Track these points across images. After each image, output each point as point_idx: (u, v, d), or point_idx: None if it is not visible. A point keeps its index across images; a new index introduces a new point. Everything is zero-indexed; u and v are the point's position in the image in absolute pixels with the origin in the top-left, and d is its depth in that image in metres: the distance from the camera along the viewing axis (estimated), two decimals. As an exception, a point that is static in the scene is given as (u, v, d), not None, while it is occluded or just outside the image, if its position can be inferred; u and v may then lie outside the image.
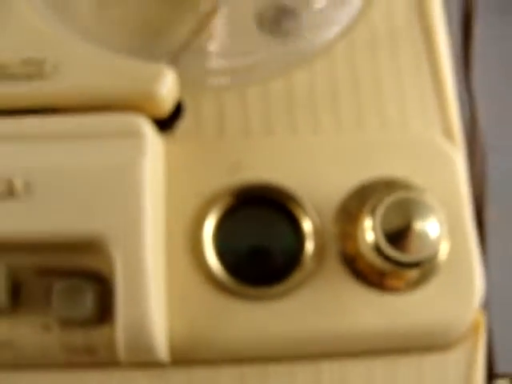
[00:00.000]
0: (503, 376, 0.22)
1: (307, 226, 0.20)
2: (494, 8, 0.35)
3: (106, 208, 0.18)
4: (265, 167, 0.21)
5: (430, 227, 0.19)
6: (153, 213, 0.19)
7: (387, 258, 0.19)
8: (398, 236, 0.19)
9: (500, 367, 0.22)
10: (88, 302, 0.19)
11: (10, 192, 0.18)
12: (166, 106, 0.20)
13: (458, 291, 0.20)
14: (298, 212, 0.20)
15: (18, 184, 0.18)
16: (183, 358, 0.20)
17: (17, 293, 0.19)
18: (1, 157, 0.19)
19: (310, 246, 0.20)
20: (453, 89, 0.23)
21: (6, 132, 0.19)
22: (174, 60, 0.20)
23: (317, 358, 0.20)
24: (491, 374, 0.22)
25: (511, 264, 0.27)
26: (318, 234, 0.20)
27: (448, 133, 0.22)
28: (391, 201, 0.19)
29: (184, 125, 0.21)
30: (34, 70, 0.19)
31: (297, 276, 0.20)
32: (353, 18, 0.23)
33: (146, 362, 0.19)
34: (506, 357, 0.22)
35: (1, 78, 0.19)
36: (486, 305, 0.21)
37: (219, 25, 0.23)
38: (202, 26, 0.22)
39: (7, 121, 0.19)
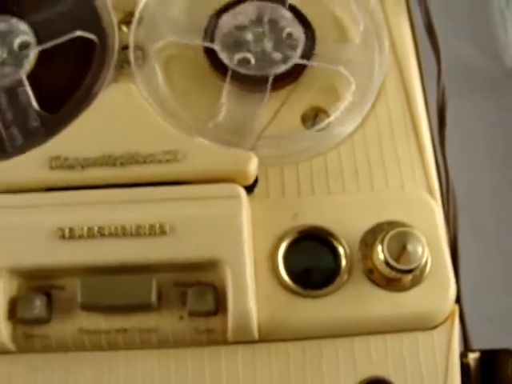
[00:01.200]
0: (475, 350, 0.35)
1: (341, 251, 0.34)
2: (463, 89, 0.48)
3: (222, 241, 0.32)
4: (313, 215, 0.34)
5: (417, 248, 0.32)
6: (248, 244, 0.32)
7: (392, 268, 0.32)
8: (398, 254, 0.32)
9: (474, 344, 0.35)
10: (209, 300, 0.32)
11: (163, 231, 0.32)
12: (252, 178, 0.34)
13: (439, 290, 0.33)
14: (335, 243, 0.34)
15: (167, 226, 0.32)
16: (267, 337, 0.33)
17: (161, 296, 0.33)
18: (155, 210, 0.32)
19: (343, 264, 0.34)
20: (433, 159, 0.37)
21: (156, 194, 0.33)
22: (254, 146, 0.35)
23: (349, 335, 0.33)
24: (466, 349, 0.35)
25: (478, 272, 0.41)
26: (348, 256, 0.34)
27: (430, 190, 0.36)
28: (393, 234, 0.32)
29: (259, 189, 0.35)
30: (171, 157, 0.33)
31: (336, 283, 0.33)
32: (364, 116, 0.37)
33: (244, 340, 0.33)
34: (475, 338, 0.35)
35: (150, 162, 0.33)
36: (459, 300, 0.34)
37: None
38: (272, 120, 0.36)
39: (155, 188, 0.33)
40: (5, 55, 0.37)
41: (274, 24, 0.37)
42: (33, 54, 0.37)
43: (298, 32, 0.37)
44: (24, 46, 0.37)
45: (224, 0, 0.38)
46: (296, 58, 0.37)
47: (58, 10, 0.37)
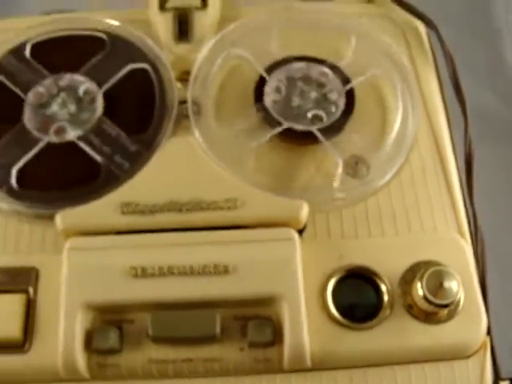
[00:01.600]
0: (505, 379, 0.39)
1: (383, 288, 0.38)
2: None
3: (279, 279, 0.36)
4: (357, 256, 0.39)
5: (452, 284, 0.36)
6: (302, 282, 0.37)
7: (431, 303, 0.36)
8: (436, 290, 0.36)
9: (502, 373, 0.40)
10: (267, 333, 0.36)
11: (226, 271, 0.37)
12: (303, 223, 0.38)
13: (472, 323, 0.37)
14: (378, 280, 0.38)
15: (230, 266, 0.37)
16: (318, 366, 0.37)
17: (223, 329, 0.37)
18: (219, 251, 0.37)
19: (385, 299, 0.38)
20: (462, 204, 0.42)
21: (219, 237, 0.37)
22: (303, 195, 0.39)
23: (391, 364, 0.37)
24: (496, 378, 0.39)
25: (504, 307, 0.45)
26: (390, 293, 0.38)
27: (461, 232, 0.40)
28: (431, 272, 0.37)
29: (307, 232, 0.40)
30: (231, 204, 0.38)
31: (379, 317, 0.37)
32: (399, 166, 0.42)
33: (297, 368, 0.37)
34: (505, 366, 0.39)
35: (213, 208, 0.38)
36: (489, 332, 0.38)
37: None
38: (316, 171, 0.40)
39: (218, 232, 0.38)
40: (74, 107, 0.42)
41: (318, 84, 0.42)
42: (99, 96, 0.42)
43: (341, 92, 0.42)
44: (88, 93, 0.42)
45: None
46: (337, 116, 0.41)
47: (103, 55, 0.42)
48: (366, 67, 0.42)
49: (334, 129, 0.41)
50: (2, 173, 0.41)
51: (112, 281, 0.36)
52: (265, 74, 0.42)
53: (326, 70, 0.43)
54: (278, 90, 0.42)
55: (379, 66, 0.43)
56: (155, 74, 0.42)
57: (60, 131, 0.42)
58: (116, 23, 0.44)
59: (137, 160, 0.39)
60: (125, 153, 0.40)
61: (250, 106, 0.42)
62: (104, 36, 0.43)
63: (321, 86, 0.42)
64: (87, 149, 0.41)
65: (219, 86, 0.43)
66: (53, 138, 0.42)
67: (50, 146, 0.41)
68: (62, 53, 0.43)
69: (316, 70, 0.42)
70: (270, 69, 0.43)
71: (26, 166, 0.41)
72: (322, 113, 0.42)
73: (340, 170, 0.41)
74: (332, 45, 0.44)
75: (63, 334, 0.36)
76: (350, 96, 0.42)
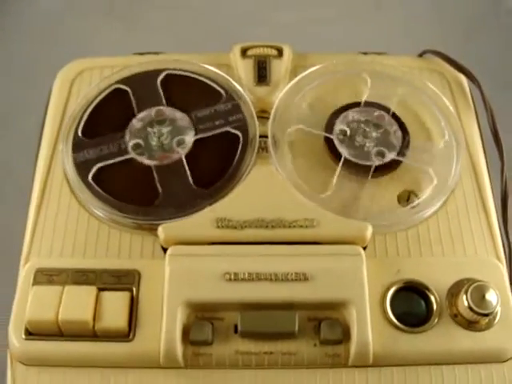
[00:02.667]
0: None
1: (433, 299, 0.47)
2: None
3: (349, 287, 0.45)
4: (411, 271, 0.47)
5: (492, 297, 0.45)
6: (367, 290, 0.46)
7: (474, 312, 0.45)
8: (479, 302, 0.45)
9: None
10: (337, 332, 0.45)
11: (305, 278, 0.45)
12: (367, 242, 0.47)
13: (508, 331, 0.46)
14: (428, 293, 0.47)
15: (308, 274, 0.45)
16: (377, 363, 0.45)
17: (299, 328, 0.45)
18: (299, 262, 0.46)
19: (434, 309, 0.46)
20: (498, 233, 0.51)
21: (299, 251, 0.46)
22: (366, 219, 0.48)
23: (439, 364, 0.46)
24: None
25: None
26: (438, 303, 0.47)
27: (497, 256, 0.49)
28: (475, 286, 0.46)
29: (368, 250, 0.49)
30: (309, 223, 0.47)
31: (429, 324, 0.46)
32: (445, 199, 0.51)
33: (360, 364, 0.45)
34: None
35: (293, 226, 0.47)
36: None
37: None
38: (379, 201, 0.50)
39: (297, 246, 0.46)
40: (168, 139, 0.51)
41: (378, 126, 0.52)
42: (191, 140, 0.51)
43: (397, 134, 0.51)
44: (182, 131, 0.51)
45: (339, 100, 0.52)
46: (393, 155, 0.51)
47: (215, 110, 0.51)
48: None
49: (389, 167, 0.50)
50: (86, 165, 0.49)
51: (208, 283, 0.44)
52: (328, 135, 0.51)
53: (388, 117, 0.52)
54: (344, 129, 0.51)
55: (431, 118, 0.52)
56: (243, 136, 0.51)
57: (141, 154, 0.50)
58: (237, 86, 0.53)
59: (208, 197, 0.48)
60: (185, 192, 0.49)
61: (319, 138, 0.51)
62: (222, 91, 0.52)
63: (381, 129, 0.52)
64: (156, 178, 0.49)
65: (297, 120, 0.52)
66: (136, 157, 0.50)
67: (131, 161, 0.50)
68: (183, 91, 0.53)
69: (378, 115, 0.52)
70: (340, 111, 0.52)
71: (105, 170, 0.50)
72: (380, 152, 0.51)
73: (395, 200, 0.50)
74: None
75: (165, 327, 0.44)
76: (406, 142, 0.51)
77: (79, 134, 0.51)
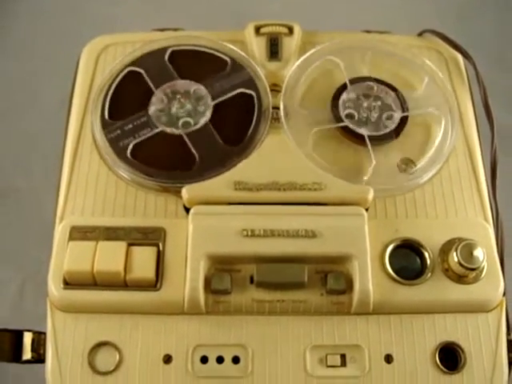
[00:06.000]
0: (515, 332, 0.56)
1: (427, 256, 0.55)
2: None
3: (353, 243, 0.53)
4: (408, 231, 0.55)
5: (479, 254, 0.53)
6: (368, 246, 0.54)
7: (463, 267, 0.53)
8: (467, 257, 0.53)
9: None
10: (342, 283, 0.53)
11: (314, 235, 0.53)
12: (369, 203, 0.55)
13: (493, 285, 0.53)
14: (423, 250, 0.55)
15: (316, 231, 0.53)
16: (376, 311, 0.53)
17: (308, 279, 0.53)
18: (308, 220, 0.54)
19: (428, 264, 0.55)
20: (487, 198, 0.59)
21: (309, 210, 0.54)
22: (369, 184, 0.56)
23: (431, 313, 0.54)
24: (508, 330, 0.56)
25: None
26: (431, 259, 0.54)
27: (485, 218, 0.57)
28: (464, 244, 0.54)
29: (369, 212, 0.57)
30: (317, 187, 0.55)
31: (423, 277, 0.54)
32: (440, 166, 0.59)
33: (361, 312, 0.54)
34: None
35: (304, 189, 0.55)
36: (505, 294, 0.55)
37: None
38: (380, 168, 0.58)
39: (307, 207, 0.54)
40: (189, 109, 0.59)
41: (371, 96, 0.60)
42: (211, 106, 0.59)
43: (392, 97, 0.59)
44: (203, 101, 0.59)
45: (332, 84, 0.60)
46: (399, 113, 0.59)
47: (227, 77, 0.59)
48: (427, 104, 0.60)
49: (390, 136, 0.58)
50: (122, 145, 0.57)
51: (228, 238, 0.52)
52: (348, 83, 0.59)
53: (393, 95, 0.60)
54: (351, 100, 0.59)
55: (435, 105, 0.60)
56: (257, 96, 0.59)
57: (172, 125, 0.58)
58: (238, 51, 0.61)
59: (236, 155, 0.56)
60: (217, 153, 0.56)
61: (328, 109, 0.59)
62: (228, 59, 0.60)
63: (386, 106, 0.60)
64: (189, 144, 0.57)
65: (302, 96, 0.60)
66: (166, 129, 0.58)
67: (162, 134, 0.58)
68: (192, 63, 0.61)
69: (386, 94, 0.60)
70: (352, 81, 0.60)
71: (139, 144, 0.58)
72: (387, 122, 0.59)
73: (395, 167, 0.58)
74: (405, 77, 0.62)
75: (189, 277, 0.52)
76: (402, 99, 0.59)
77: (106, 114, 0.59)
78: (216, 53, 0.61)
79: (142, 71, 0.60)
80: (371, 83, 0.60)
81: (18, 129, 0.87)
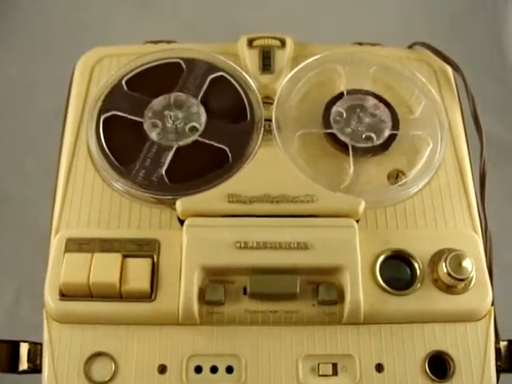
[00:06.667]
0: (504, 340, 0.57)
1: (417, 266, 0.56)
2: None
3: (344, 255, 0.54)
4: (398, 242, 0.57)
5: (468, 265, 0.55)
6: (359, 257, 0.55)
7: (452, 277, 0.54)
8: (456, 268, 0.55)
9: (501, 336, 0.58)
10: (333, 293, 0.54)
11: (306, 247, 0.55)
12: (360, 215, 0.57)
13: (481, 295, 0.55)
14: (413, 261, 0.56)
15: (308, 244, 0.54)
16: (367, 321, 0.54)
17: (300, 290, 0.55)
18: (300, 232, 0.55)
19: (418, 275, 0.56)
20: (476, 209, 0.60)
21: (300, 222, 0.55)
22: (360, 196, 0.58)
23: (421, 322, 0.54)
24: (497, 339, 0.57)
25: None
26: (421, 270, 0.56)
27: (474, 230, 0.58)
28: (453, 255, 0.55)
29: (360, 223, 0.58)
30: (309, 199, 0.56)
31: (413, 287, 0.55)
32: (430, 178, 0.60)
33: (352, 322, 0.55)
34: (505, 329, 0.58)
35: (296, 201, 0.56)
36: (493, 304, 0.57)
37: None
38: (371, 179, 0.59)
39: (299, 219, 0.55)
40: (182, 124, 0.60)
41: (366, 109, 0.61)
42: (204, 122, 0.60)
43: (386, 113, 0.60)
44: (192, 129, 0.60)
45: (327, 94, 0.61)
46: (388, 131, 0.60)
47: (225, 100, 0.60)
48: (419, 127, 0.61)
49: (378, 149, 0.60)
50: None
51: (221, 250, 0.54)
52: (328, 130, 0.60)
53: (372, 99, 0.61)
54: (337, 119, 0.61)
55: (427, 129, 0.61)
56: (248, 104, 0.60)
57: (159, 135, 0.60)
58: (231, 64, 0.62)
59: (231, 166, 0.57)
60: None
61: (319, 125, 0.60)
62: (226, 75, 0.62)
63: (369, 112, 0.61)
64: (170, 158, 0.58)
65: (295, 106, 0.61)
66: (154, 138, 0.59)
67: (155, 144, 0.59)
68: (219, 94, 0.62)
69: (380, 109, 0.61)
70: (330, 104, 0.61)
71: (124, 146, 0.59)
72: (372, 135, 0.60)
73: (385, 179, 0.59)
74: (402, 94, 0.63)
75: (184, 289, 0.53)
76: (395, 117, 0.60)
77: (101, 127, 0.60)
78: (225, 74, 0.63)
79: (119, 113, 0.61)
80: (367, 96, 0.61)
81: (13, 135, 0.88)
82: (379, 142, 0.59)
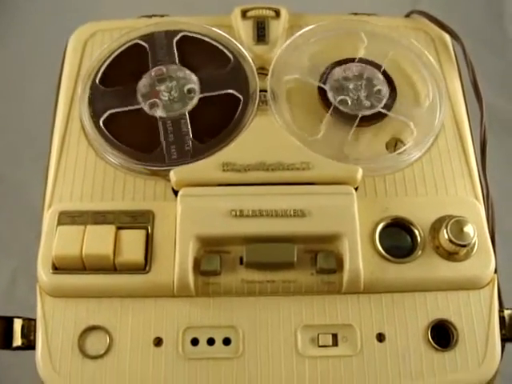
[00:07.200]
0: (508, 308, 0.55)
1: (417, 234, 0.55)
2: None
3: (342, 222, 0.53)
4: (398, 209, 0.55)
5: (470, 230, 0.53)
6: (358, 225, 0.54)
7: (453, 243, 0.53)
8: (457, 234, 0.53)
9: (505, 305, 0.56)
10: (332, 262, 0.53)
11: (303, 214, 0.53)
12: (358, 183, 0.55)
13: (484, 262, 0.53)
14: (413, 228, 0.55)
15: (305, 211, 0.53)
16: (367, 290, 0.53)
17: (297, 259, 0.54)
18: (297, 200, 0.53)
19: (418, 242, 0.54)
20: (477, 176, 0.58)
21: (297, 190, 0.54)
22: (357, 164, 0.56)
23: (423, 291, 0.53)
24: (501, 307, 0.56)
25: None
26: (422, 237, 0.54)
27: (476, 196, 0.57)
28: (454, 221, 0.53)
29: (359, 192, 0.57)
30: (305, 166, 0.55)
31: (414, 255, 0.53)
32: (429, 145, 0.59)
33: (352, 291, 0.53)
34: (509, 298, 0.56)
35: (291, 169, 0.54)
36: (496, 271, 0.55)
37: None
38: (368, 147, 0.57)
39: (295, 186, 0.54)
40: (176, 94, 0.59)
41: (369, 81, 0.60)
42: (196, 98, 0.58)
43: (385, 90, 0.59)
44: (190, 91, 0.59)
45: (334, 56, 0.60)
46: (379, 108, 0.58)
47: (221, 71, 0.58)
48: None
49: (375, 117, 0.58)
50: (97, 111, 0.57)
51: (216, 219, 0.52)
52: (322, 85, 0.59)
53: (378, 73, 0.60)
54: (338, 80, 0.59)
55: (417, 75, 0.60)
56: (244, 103, 0.58)
57: (153, 105, 0.58)
58: (225, 35, 0.61)
59: (184, 157, 0.56)
60: (180, 148, 0.56)
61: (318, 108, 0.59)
62: (230, 55, 0.60)
63: (371, 84, 0.60)
64: (160, 128, 0.57)
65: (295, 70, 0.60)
66: (145, 107, 0.58)
67: (139, 112, 0.58)
68: (194, 51, 0.61)
69: (370, 71, 0.60)
70: (336, 64, 0.60)
71: (115, 117, 0.58)
72: (367, 104, 0.59)
73: (383, 147, 0.58)
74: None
75: (178, 259, 0.51)
76: (392, 97, 0.59)
77: (97, 82, 0.59)
78: (218, 45, 0.61)
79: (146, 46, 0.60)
80: (359, 64, 0.60)
81: (7, 116, 0.87)
82: (377, 110, 0.57)
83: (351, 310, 0.52)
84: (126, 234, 0.52)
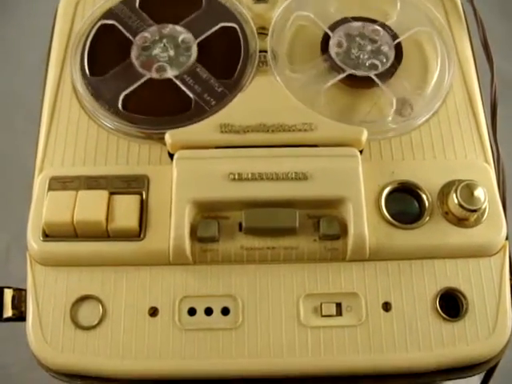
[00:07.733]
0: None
1: (425, 198, 0.52)
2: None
3: (346, 185, 0.50)
4: (405, 173, 0.52)
5: (480, 194, 0.50)
6: (363, 188, 0.51)
7: (463, 208, 0.50)
8: (467, 198, 0.50)
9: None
10: (335, 227, 0.50)
11: (305, 177, 0.50)
12: (363, 145, 0.52)
13: (495, 228, 0.50)
14: (421, 193, 0.52)
15: (308, 174, 0.50)
16: (373, 257, 0.51)
17: (300, 224, 0.50)
18: (299, 162, 0.50)
19: (427, 207, 0.52)
20: (487, 139, 0.56)
21: (299, 152, 0.50)
22: (362, 124, 0.53)
23: (431, 258, 0.51)
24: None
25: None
26: (430, 202, 0.51)
27: (486, 160, 0.54)
28: (464, 184, 0.51)
29: (364, 155, 0.54)
30: (307, 127, 0.52)
31: (421, 221, 0.51)
32: (437, 108, 0.56)
33: (357, 258, 0.51)
34: None
35: (293, 130, 0.52)
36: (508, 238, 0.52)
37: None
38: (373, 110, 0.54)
39: (297, 148, 0.51)
40: (173, 51, 0.56)
41: (377, 47, 0.56)
42: (194, 44, 0.56)
43: (388, 61, 0.56)
44: (185, 41, 0.56)
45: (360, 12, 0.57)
46: (371, 74, 0.55)
47: (200, 12, 0.56)
48: (411, 26, 0.57)
49: (385, 75, 0.55)
50: (111, 97, 0.54)
51: (214, 183, 0.50)
52: (328, 31, 0.56)
53: (378, 28, 0.57)
54: (339, 44, 0.56)
55: (422, 26, 0.57)
56: (240, 30, 0.56)
57: (160, 70, 0.55)
58: (237, 3, 0.58)
59: (222, 98, 0.53)
60: (213, 92, 0.53)
61: (317, 57, 0.56)
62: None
63: (374, 41, 0.56)
64: (182, 86, 0.54)
65: (291, 38, 0.57)
66: (154, 75, 0.55)
67: (151, 81, 0.55)
68: (166, 7, 0.58)
69: (370, 28, 0.56)
70: (333, 27, 0.57)
71: (130, 94, 0.54)
72: (376, 62, 0.56)
73: (390, 108, 0.55)
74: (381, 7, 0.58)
75: (174, 225, 0.49)
76: (399, 49, 0.56)
77: (88, 75, 0.56)
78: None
79: (115, 23, 0.57)
80: (353, 23, 0.57)
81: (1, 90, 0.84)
82: (383, 69, 0.55)
83: (356, 278, 0.49)
84: (119, 199, 0.50)
